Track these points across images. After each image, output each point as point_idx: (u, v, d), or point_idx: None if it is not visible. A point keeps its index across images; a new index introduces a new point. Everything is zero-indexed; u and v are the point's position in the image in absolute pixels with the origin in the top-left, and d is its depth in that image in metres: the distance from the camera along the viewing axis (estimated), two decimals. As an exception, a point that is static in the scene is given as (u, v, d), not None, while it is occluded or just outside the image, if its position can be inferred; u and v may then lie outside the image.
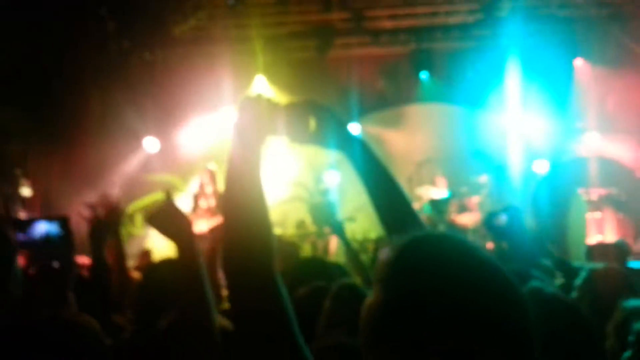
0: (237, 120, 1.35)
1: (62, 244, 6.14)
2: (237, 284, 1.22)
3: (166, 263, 2.63)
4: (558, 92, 9.34)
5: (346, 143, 1.42)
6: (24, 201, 8.29)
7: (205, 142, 9.34)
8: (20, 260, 4.29)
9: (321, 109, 1.40)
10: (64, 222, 6.50)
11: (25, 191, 8.35)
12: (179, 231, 1.93)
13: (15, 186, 8.19)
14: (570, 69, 9.56)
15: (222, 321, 2.04)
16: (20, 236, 6.04)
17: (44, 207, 8.40)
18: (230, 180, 1.29)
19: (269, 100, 1.37)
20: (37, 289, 3.00)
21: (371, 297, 0.97)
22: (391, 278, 0.95)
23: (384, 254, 0.99)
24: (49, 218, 6.59)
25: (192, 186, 8.28)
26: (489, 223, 2.72)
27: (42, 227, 6.44)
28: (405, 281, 0.93)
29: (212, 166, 7.84)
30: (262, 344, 1.15)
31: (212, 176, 7.69)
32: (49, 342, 1.72)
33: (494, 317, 0.90)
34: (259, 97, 1.37)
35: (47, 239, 6.30)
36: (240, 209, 1.25)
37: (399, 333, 0.91)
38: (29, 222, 6.44)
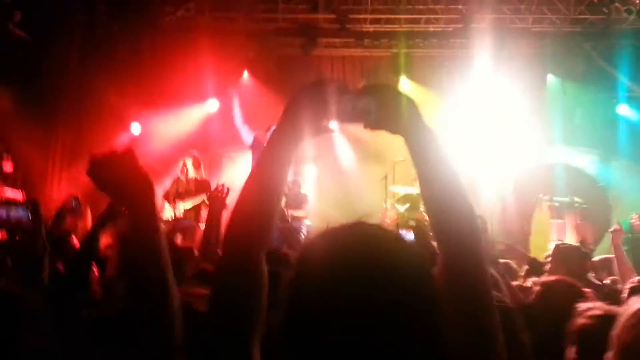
0: (294, 104, 1.27)
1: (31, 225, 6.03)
2: (228, 261, 1.23)
3: None
4: (528, 102, 9.35)
5: (411, 127, 1.27)
6: (6, 177, 7.97)
7: (187, 131, 9.14)
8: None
9: (390, 92, 1.29)
10: (33, 205, 6.38)
11: (7, 166, 8.03)
12: (133, 188, 1.45)
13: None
14: (541, 81, 9.58)
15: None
16: None
17: (24, 184, 8.08)
18: (261, 164, 1.26)
19: (337, 85, 1.28)
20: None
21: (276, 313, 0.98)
22: (289, 295, 0.96)
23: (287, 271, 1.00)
24: (18, 204, 6.48)
25: (175, 171, 8.04)
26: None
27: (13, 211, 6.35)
28: (300, 299, 0.94)
29: (194, 153, 7.68)
30: (229, 319, 1.19)
31: (197, 162, 7.53)
32: None
33: (393, 319, 0.89)
34: (324, 82, 1.28)
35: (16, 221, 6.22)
36: (259, 192, 1.24)
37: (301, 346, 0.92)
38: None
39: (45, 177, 7.84)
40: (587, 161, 9.36)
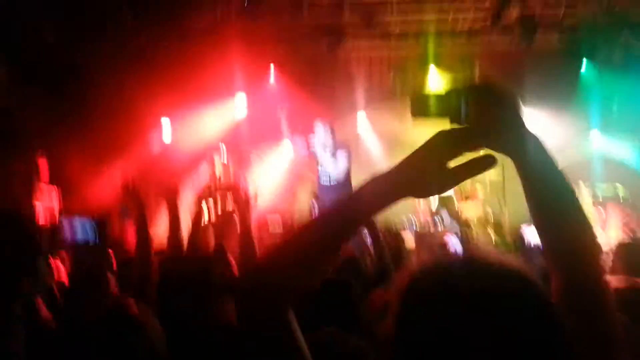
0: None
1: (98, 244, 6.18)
2: (249, 311, 1.03)
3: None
4: (565, 92, 8.92)
5: (528, 148, 1.11)
6: (40, 175, 7.96)
7: (216, 128, 9.08)
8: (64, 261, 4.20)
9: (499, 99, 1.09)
10: (100, 224, 6.60)
11: (42, 164, 8.02)
12: None
13: (34, 165, 7.89)
14: (577, 70, 9.16)
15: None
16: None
17: (59, 182, 8.06)
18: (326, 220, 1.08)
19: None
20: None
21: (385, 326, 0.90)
22: (402, 311, 0.88)
23: (399, 282, 0.92)
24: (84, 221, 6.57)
25: (203, 169, 7.93)
26: None
27: (79, 229, 6.48)
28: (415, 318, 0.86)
29: (221, 146, 7.64)
30: None
31: (219, 155, 7.46)
32: None
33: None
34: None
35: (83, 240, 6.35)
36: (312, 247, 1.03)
37: None
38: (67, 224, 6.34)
39: (80, 174, 7.83)
40: (627, 148, 8.83)
